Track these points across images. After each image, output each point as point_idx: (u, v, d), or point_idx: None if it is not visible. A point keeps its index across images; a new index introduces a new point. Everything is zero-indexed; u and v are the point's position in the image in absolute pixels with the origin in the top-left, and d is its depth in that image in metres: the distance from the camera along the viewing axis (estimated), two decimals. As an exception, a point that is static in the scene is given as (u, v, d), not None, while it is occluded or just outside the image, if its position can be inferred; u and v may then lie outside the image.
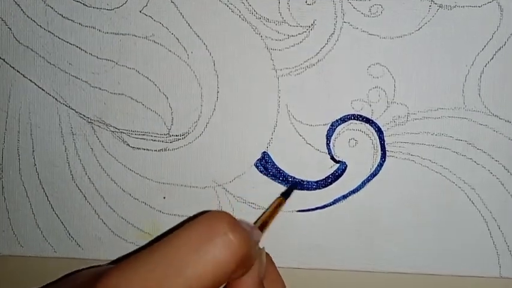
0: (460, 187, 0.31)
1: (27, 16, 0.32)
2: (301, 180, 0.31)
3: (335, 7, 0.30)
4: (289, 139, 0.31)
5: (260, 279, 0.22)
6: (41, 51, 0.32)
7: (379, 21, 0.30)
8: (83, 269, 0.22)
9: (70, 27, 0.32)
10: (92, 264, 0.31)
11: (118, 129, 0.32)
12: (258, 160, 0.31)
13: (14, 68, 0.32)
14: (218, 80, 0.31)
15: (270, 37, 0.31)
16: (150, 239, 0.32)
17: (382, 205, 0.31)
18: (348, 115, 0.31)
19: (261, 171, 0.31)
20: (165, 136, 0.32)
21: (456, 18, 0.30)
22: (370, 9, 0.30)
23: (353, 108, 0.31)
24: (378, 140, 0.31)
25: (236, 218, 0.20)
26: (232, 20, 0.31)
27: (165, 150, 0.32)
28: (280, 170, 0.31)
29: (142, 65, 0.31)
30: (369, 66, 0.30)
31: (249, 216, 0.31)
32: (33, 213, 0.33)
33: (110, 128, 0.32)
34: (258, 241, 0.23)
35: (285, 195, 0.30)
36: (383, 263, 0.31)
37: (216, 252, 0.19)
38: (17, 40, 0.32)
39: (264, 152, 0.31)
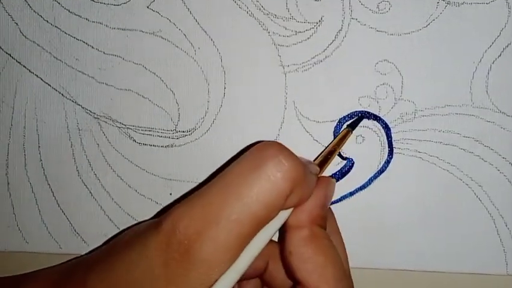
0: (467, 184, 0.31)
1: (34, 11, 0.32)
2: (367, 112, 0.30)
3: (343, 3, 0.30)
4: (296, 135, 0.31)
5: (325, 206, 0.23)
6: (48, 47, 0.32)
7: (387, 17, 0.30)
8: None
9: (76, 23, 0.31)
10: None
11: (125, 125, 0.32)
12: (264, 156, 0.31)
13: (20, 63, 0.32)
14: (225, 76, 0.31)
15: (277, 33, 0.31)
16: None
17: (389, 202, 0.31)
18: (356, 112, 0.31)
19: (267, 168, 0.31)
20: (172, 132, 0.32)
21: (464, 15, 0.30)
22: (378, 6, 0.30)
23: (361, 104, 0.31)
24: (385, 136, 0.31)
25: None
26: (240, 16, 0.31)
27: (172, 146, 0.32)
28: (287, 166, 0.31)
29: (149, 60, 0.31)
30: (377, 63, 0.30)
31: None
32: (38, 209, 0.33)
33: (117, 123, 0.32)
34: (316, 173, 0.24)
35: (352, 126, 0.30)
36: (389, 260, 0.31)
37: (269, 174, 0.20)
38: (23, 35, 0.32)
39: (271, 148, 0.31)
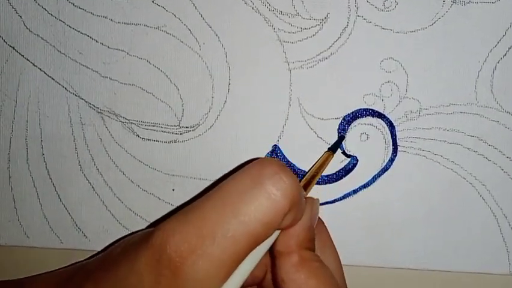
0: (470, 183, 0.31)
1: (38, 4, 0.31)
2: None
3: (349, 0, 0.30)
4: (301, 133, 0.31)
5: (311, 228, 0.22)
6: (52, 40, 0.32)
7: (393, 15, 0.30)
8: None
9: (81, 16, 0.31)
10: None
11: (128, 120, 0.32)
12: (268, 153, 0.31)
13: (23, 56, 0.32)
14: (230, 72, 0.31)
15: (283, 30, 0.31)
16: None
17: (392, 200, 0.31)
18: (360, 109, 0.31)
19: (271, 165, 0.31)
20: (175, 127, 0.32)
21: (470, 14, 0.30)
22: (384, 4, 0.30)
23: (365, 102, 0.31)
24: (389, 134, 0.31)
25: None
26: (245, 12, 0.31)
27: (175, 141, 0.32)
28: (291, 163, 0.31)
29: (154, 55, 0.31)
30: (382, 61, 0.30)
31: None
32: (40, 204, 0.33)
33: (120, 118, 0.32)
34: (304, 195, 0.23)
35: (333, 149, 0.30)
36: (392, 259, 0.31)
37: (269, 191, 0.19)
38: (27, 28, 0.32)
39: (275, 145, 0.31)
